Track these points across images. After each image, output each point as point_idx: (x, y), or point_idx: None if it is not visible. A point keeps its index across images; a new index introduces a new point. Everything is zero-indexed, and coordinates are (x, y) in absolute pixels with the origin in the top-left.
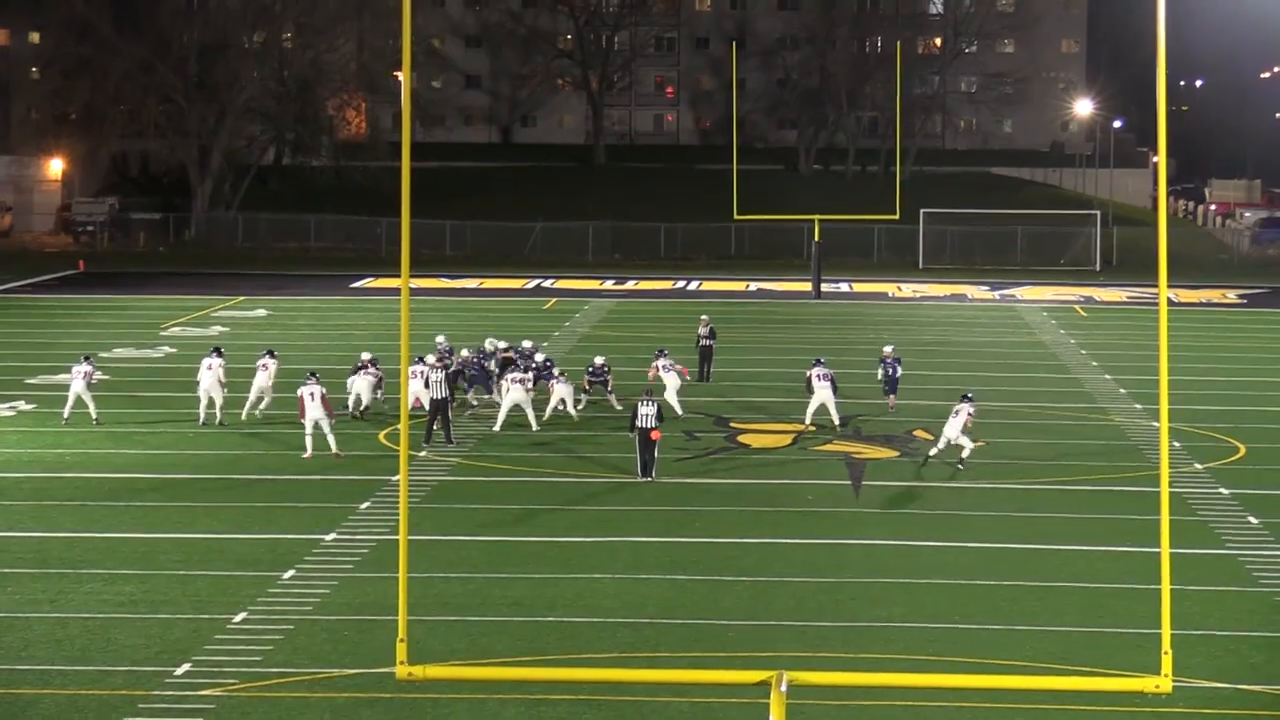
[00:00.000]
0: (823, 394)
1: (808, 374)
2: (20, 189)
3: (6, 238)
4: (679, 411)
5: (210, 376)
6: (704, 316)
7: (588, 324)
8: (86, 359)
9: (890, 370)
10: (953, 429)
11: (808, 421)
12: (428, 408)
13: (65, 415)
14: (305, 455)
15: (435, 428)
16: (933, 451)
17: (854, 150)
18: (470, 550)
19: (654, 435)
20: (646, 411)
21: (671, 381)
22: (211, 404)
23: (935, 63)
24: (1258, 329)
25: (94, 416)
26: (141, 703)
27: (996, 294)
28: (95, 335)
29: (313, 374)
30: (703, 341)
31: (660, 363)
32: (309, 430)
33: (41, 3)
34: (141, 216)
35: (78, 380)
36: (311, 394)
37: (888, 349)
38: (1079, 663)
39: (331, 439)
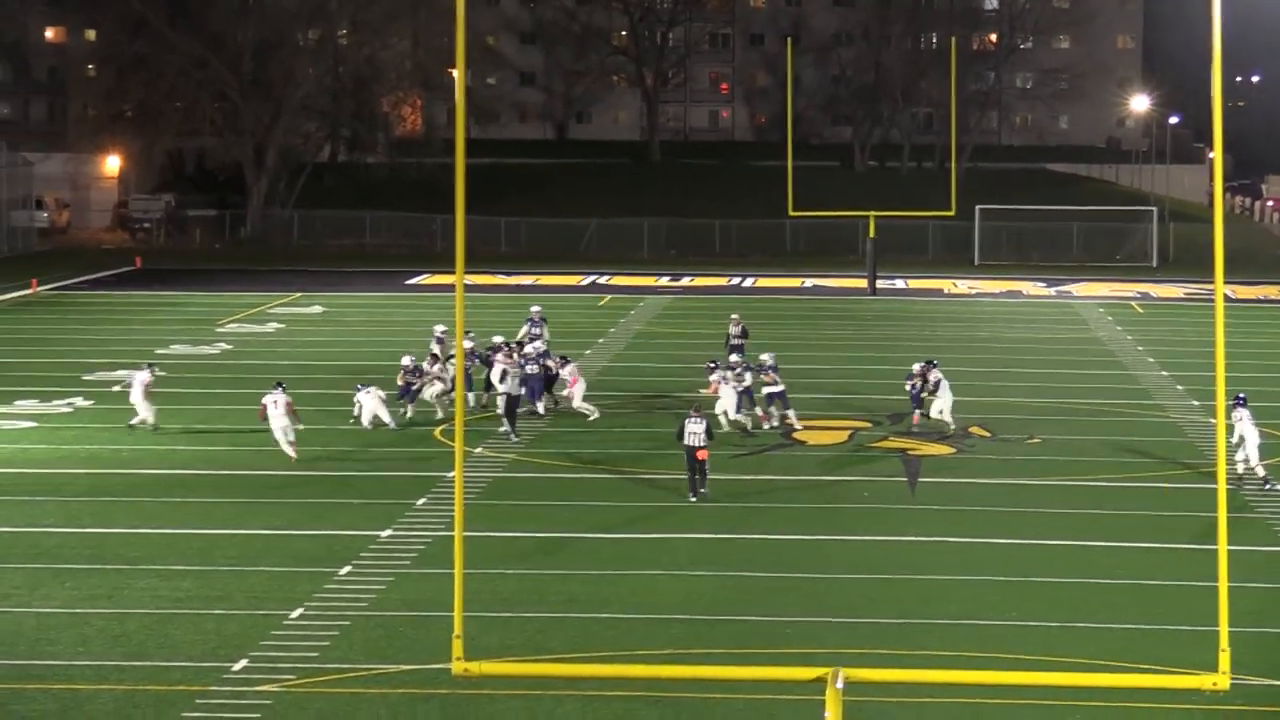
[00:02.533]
0: (946, 397)
1: (932, 378)
2: (77, 186)
3: (64, 234)
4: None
5: (371, 400)
6: (734, 315)
7: (642, 320)
8: None
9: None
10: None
11: (952, 423)
12: (501, 403)
13: None
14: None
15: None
16: (1262, 472)
17: (909, 146)
18: (526, 546)
19: (700, 455)
20: (694, 430)
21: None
22: (377, 420)
23: (991, 59)
24: None
25: None
26: (199, 698)
27: (1052, 290)
28: (152, 332)
29: (279, 384)
30: (733, 340)
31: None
32: (278, 437)
33: (98, 0)
34: (197, 213)
35: None
36: (275, 401)
37: (917, 366)
38: (1136, 660)
39: (290, 447)
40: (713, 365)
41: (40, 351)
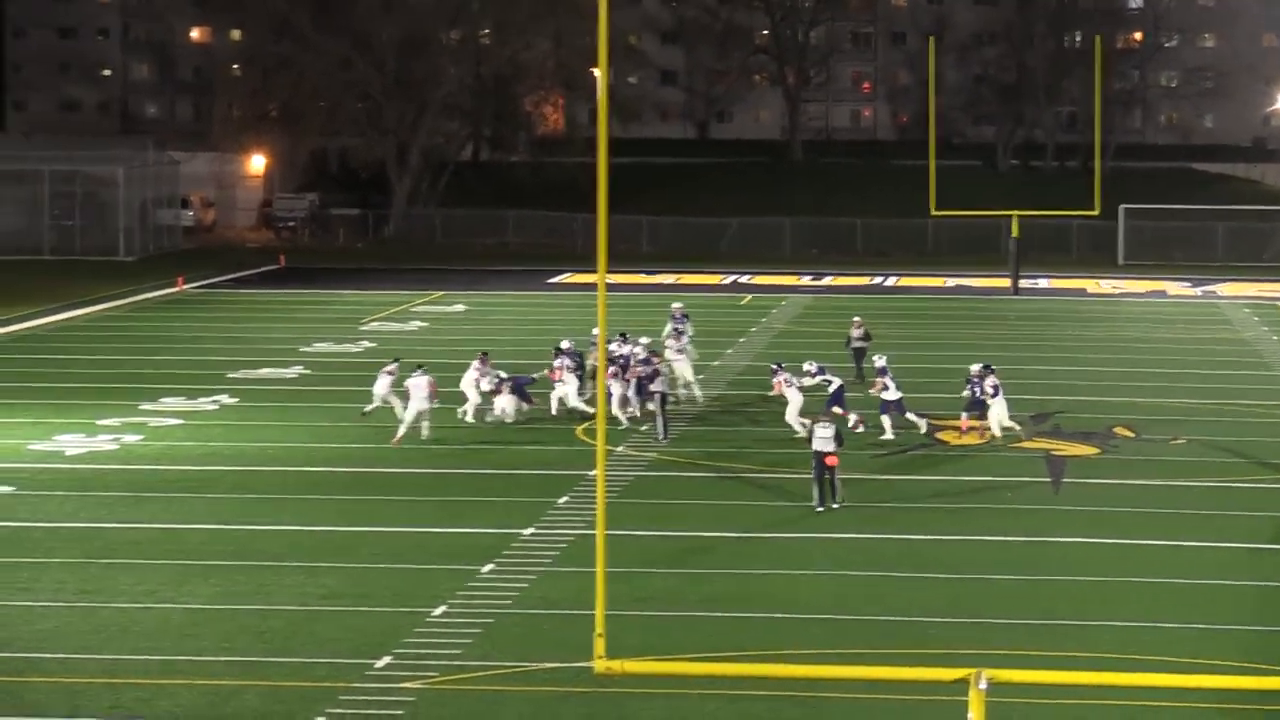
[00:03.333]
0: (999, 407)
1: (989, 384)
2: (223, 185)
3: (209, 233)
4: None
5: (506, 398)
6: (856, 318)
7: (784, 320)
8: None
9: (974, 390)
10: None
11: (999, 433)
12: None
13: None
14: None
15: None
16: None
17: (1052, 145)
18: (668, 545)
19: (830, 460)
20: (824, 435)
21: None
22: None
23: (1135, 57)
24: None
25: None
26: (343, 694)
27: (1197, 290)
28: (296, 330)
29: (420, 367)
30: (855, 343)
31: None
32: (407, 417)
33: (242, 0)
34: (341, 212)
35: None
36: (418, 385)
37: (975, 367)
38: None
39: (405, 427)
40: (776, 368)
41: (186, 349)
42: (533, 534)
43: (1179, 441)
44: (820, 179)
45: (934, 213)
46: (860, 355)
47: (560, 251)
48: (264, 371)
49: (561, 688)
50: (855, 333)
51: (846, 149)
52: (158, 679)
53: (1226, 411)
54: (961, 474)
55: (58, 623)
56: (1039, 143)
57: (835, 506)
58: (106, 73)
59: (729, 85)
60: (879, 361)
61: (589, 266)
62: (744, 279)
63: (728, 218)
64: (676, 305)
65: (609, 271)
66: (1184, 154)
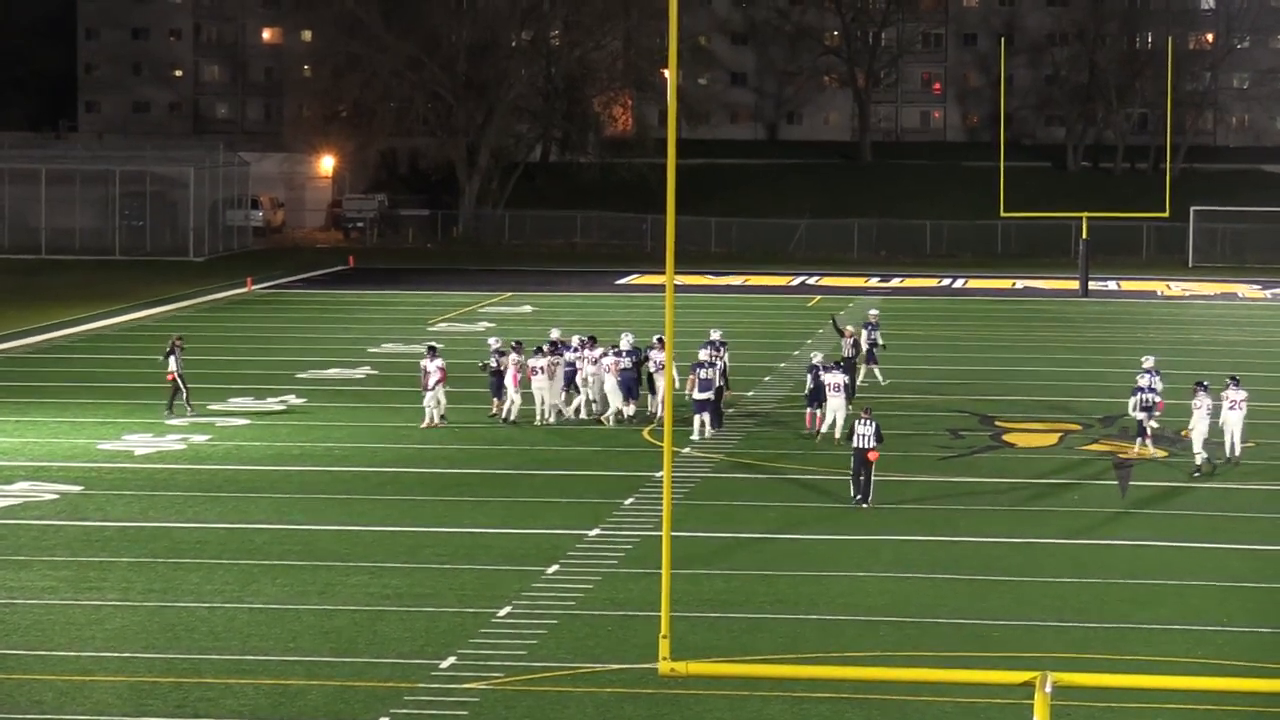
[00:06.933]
0: (835, 401)
1: (822, 378)
2: (292, 185)
3: (279, 234)
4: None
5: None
6: (849, 328)
7: (852, 321)
8: None
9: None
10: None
11: (825, 432)
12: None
13: None
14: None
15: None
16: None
17: (1123, 147)
18: (733, 547)
19: (871, 456)
20: (863, 431)
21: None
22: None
23: (1207, 58)
24: None
25: None
26: (407, 695)
27: (1268, 293)
28: (364, 330)
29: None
30: (846, 352)
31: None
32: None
33: (313, 1)
34: (410, 213)
35: None
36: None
37: (817, 357)
38: None
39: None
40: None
41: (254, 349)
42: (598, 535)
43: (1249, 445)
44: (889, 180)
45: (1003, 214)
46: (849, 367)
47: (628, 252)
48: (332, 372)
49: (626, 689)
50: (846, 341)
51: (916, 150)
52: (224, 678)
53: None
54: (1028, 476)
55: (125, 622)
56: (1109, 144)
57: (864, 507)
58: (178, 73)
59: (799, 86)
60: (702, 354)
61: (657, 267)
62: (812, 280)
63: (796, 219)
64: (873, 312)
65: (677, 272)
66: (1255, 156)
